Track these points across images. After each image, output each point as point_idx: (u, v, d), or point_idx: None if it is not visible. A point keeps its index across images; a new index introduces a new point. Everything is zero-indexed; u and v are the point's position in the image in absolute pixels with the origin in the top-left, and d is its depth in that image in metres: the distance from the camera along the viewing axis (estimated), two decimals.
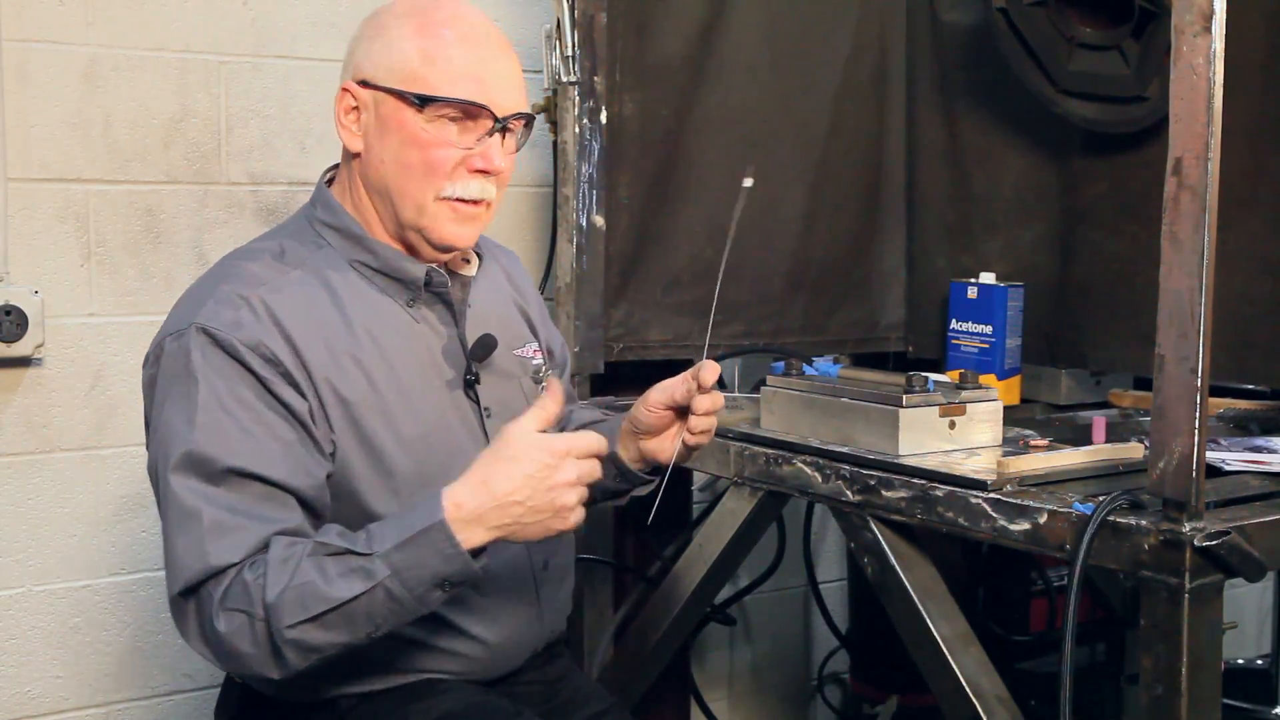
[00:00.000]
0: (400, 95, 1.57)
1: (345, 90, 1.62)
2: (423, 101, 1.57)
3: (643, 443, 1.74)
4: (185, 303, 1.60)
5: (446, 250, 1.65)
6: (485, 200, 1.62)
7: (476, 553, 1.45)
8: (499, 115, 1.59)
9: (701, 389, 1.65)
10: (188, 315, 1.55)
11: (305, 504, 1.52)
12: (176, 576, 1.47)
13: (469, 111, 1.58)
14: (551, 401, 1.48)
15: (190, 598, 1.47)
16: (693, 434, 1.69)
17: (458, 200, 1.60)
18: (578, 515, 1.47)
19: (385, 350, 1.61)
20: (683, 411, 1.69)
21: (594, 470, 1.48)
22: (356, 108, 1.61)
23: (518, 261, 1.92)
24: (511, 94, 1.61)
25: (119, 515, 2.33)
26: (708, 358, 1.66)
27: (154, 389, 1.56)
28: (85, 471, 2.29)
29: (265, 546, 1.46)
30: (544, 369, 1.80)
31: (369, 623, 1.44)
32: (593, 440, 1.48)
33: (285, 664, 1.45)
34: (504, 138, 1.61)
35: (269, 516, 1.48)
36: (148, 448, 1.56)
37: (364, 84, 1.60)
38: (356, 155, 1.63)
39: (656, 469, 1.77)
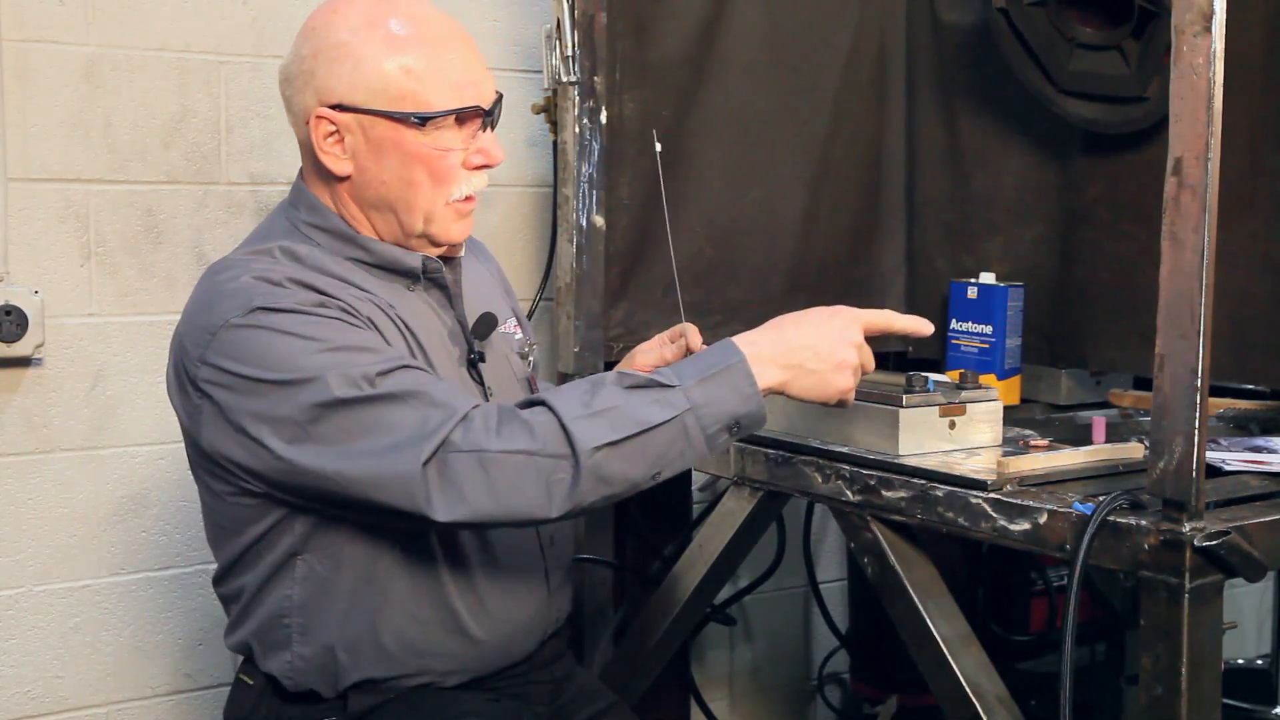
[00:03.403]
0: (396, 117, 1.56)
1: (320, 118, 1.58)
2: (423, 120, 1.57)
3: None
4: (212, 302, 1.54)
5: (451, 247, 1.67)
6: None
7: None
8: (487, 108, 1.61)
9: (692, 351, 1.77)
10: (230, 309, 1.50)
11: None
12: (420, 444, 1.43)
13: (462, 114, 1.59)
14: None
15: (433, 460, 1.43)
16: None
17: (463, 200, 1.62)
18: (852, 380, 1.57)
19: (410, 327, 1.61)
20: None
21: (869, 356, 1.59)
22: (336, 132, 1.59)
23: (475, 239, 1.92)
24: (489, 81, 1.63)
25: (119, 515, 2.33)
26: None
27: (222, 385, 1.50)
28: (85, 471, 2.29)
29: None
30: (528, 344, 1.83)
31: (657, 461, 1.47)
32: (882, 315, 1.60)
33: (577, 494, 1.44)
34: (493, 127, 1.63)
35: (433, 377, 1.52)
36: (246, 432, 1.50)
37: (340, 108, 1.57)
38: (344, 178, 1.61)
39: None
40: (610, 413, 1.44)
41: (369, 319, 1.55)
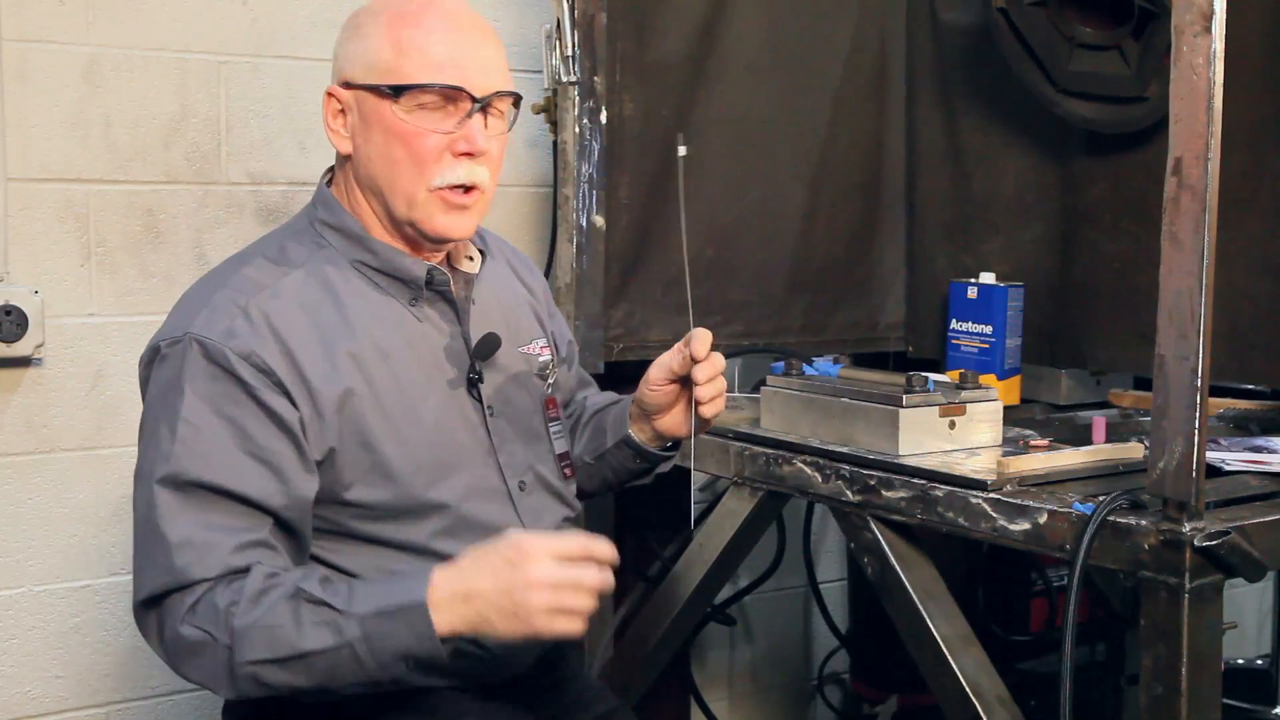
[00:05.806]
0: (375, 89, 1.58)
1: (330, 95, 1.62)
2: (396, 91, 1.57)
3: (657, 422, 1.78)
4: (183, 308, 1.60)
5: (443, 242, 1.65)
6: (476, 186, 1.61)
7: (448, 638, 1.43)
8: (476, 95, 1.59)
9: (695, 359, 1.67)
10: (183, 323, 1.55)
11: (280, 523, 1.52)
12: (141, 585, 1.50)
13: (447, 95, 1.58)
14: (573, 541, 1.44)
15: (153, 607, 1.49)
16: (701, 404, 1.71)
17: (448, 189, 1.59)
18: (558, 622, 1.40)
19: (385, 350, 1.60)
20: (686, 382, 1.72)
21: (581, 581, 1.40)
22: (343, 110, 1.62)
23: (523, 256, 1.92)
24: (489, 74, 1.61)
25: (119, 515, 2.33)
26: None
27: (146, 392, 1.58)
28: (85, 471, 2.29)
29: (239, 571, 1.46)
30: (551, 365, 1.80)
31: (328, 676, 1.44)
32: (585, 544, 1.42)
33: (238, 690, 1.46)
34: (486, 119, 1.60)
35: (237, 529, 1.48)
36: (138, 447, 1.58)
37: (346, 85, 1.61)
38: (348, 157, 1.63)
39: (677, 443, 1.82)
40: (273, 630, 1.42)
41: (306, 386, 1.53)
